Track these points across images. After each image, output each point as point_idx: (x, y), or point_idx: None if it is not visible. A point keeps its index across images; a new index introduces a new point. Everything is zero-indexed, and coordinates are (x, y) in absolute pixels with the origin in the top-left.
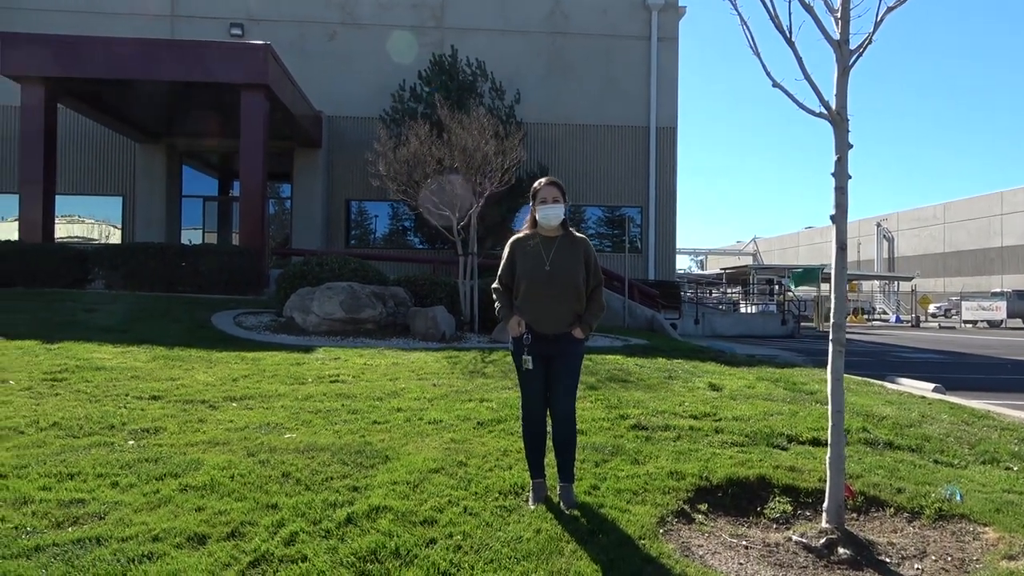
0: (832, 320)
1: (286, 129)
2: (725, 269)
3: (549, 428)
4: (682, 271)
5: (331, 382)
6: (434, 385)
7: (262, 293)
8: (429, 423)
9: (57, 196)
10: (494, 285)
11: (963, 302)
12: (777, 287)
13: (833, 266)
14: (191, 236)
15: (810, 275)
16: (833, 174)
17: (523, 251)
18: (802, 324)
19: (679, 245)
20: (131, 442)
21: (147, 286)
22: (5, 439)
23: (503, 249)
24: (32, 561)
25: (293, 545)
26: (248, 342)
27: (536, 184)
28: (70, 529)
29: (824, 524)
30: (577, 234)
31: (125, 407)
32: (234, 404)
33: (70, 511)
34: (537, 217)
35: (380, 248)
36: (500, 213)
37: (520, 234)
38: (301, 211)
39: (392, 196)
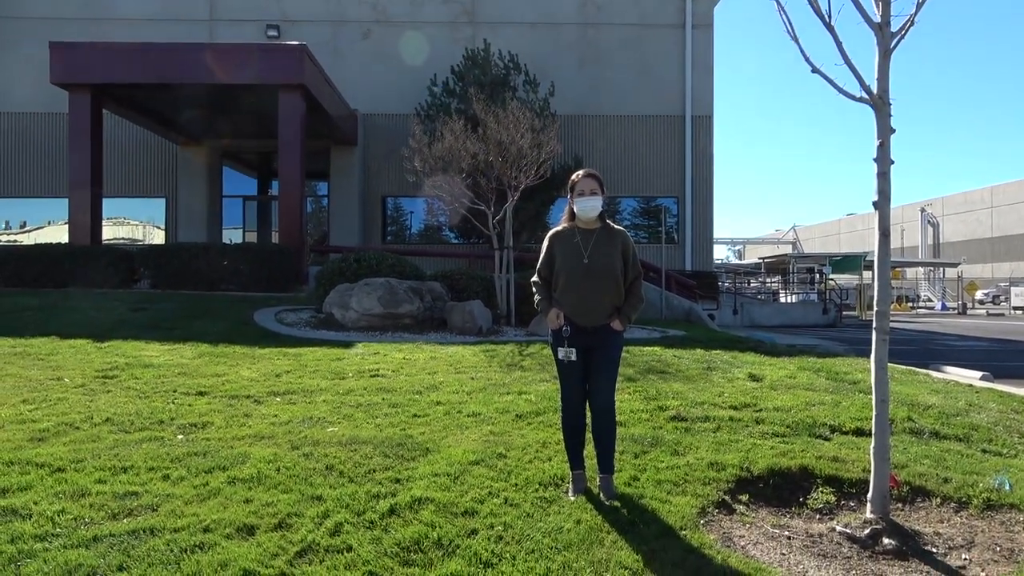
0: (875, 308)
1: (322, 128)
2: (764, 258)
3: (588, 420)
4: (720, 261)
5: (371, 376)
6: (472, 378)
7: (301, 290)
8: (468, 416)
9: (104, 199)
10: (533, 278)
11: (1012, 288)
12: (818, 276)
13: (876, 253)
14: (232, 235)
15: (852, 263)
16: (875, 159)
17: (562, 244)
18: (844, 313)
19: (716, 235)
20: (180, 436)
21: (191, 285)
22: (62, 434)
23: (538, 243)
24: (91, 551)
25: (338, 536)
26: (289, 338)
27: (574, 176)
28: (125, 520)
29: (868, 514)
30: (615, 226)
31: (173, 403)
32: (277, 399)
33: (124, 503)
34: (575, 209)
35: (416, 244)
36: (535, 207)
37: (558, 227)
38: (338, 208)
39: (427, 192)
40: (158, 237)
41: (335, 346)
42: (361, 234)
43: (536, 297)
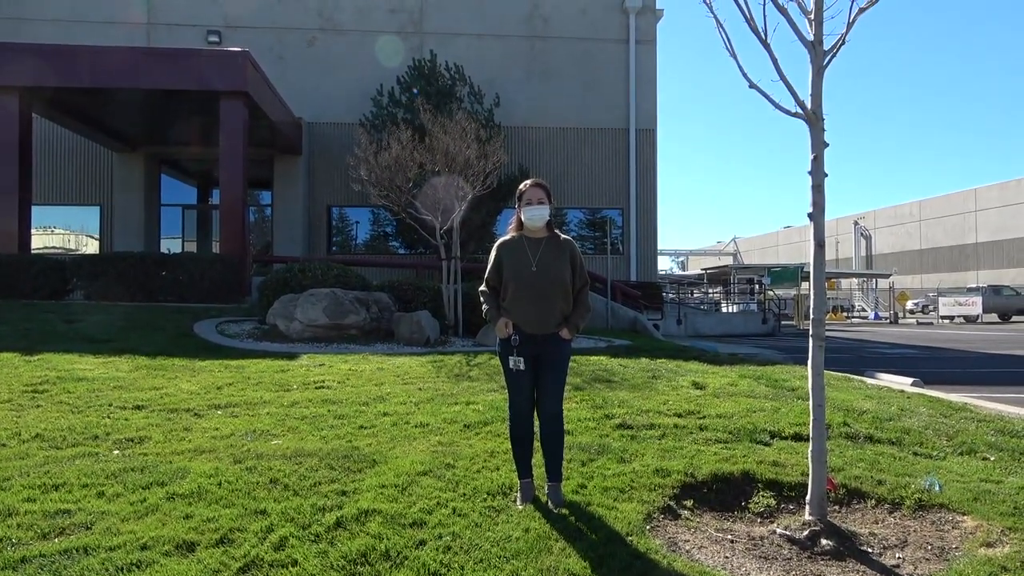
0: (812, 316)
1: (266, 136)
2: (706, 269)
3: (536, 429)
4: (664, 272)
5: (316, 388)
6: (420, 389)
7: (244, 301)
8: (416, 427)
9: (33, 206)
10: (481, 288)
11: (940, 298)
12: (757, 286)
13: (812, 264)
14: (170, 245)
15: (789, 274)
16: (810, 172)
17: (510, 253)
18: (783, 322)
19: (660, 246)
20: (116, 452)
21: (127, 296)
22: None
23: (486, 253)
24: (19, 573)
25: (283, 550)
26: (232, 350)
27: (521, 186)
28: (57, 540)
29: (807, 516)
30: (563, 235)
31: (109, 417)
32: (219, 412)
33: (56, 522)
34: (523, 218)
35: (362, 254)
36: (482, 217)
37: (506, 236)
38: (282, 218)
39: (374, 201)
40: (92, 247)
41: (279, 358)
42: (306, 244)
43: (484, 307)
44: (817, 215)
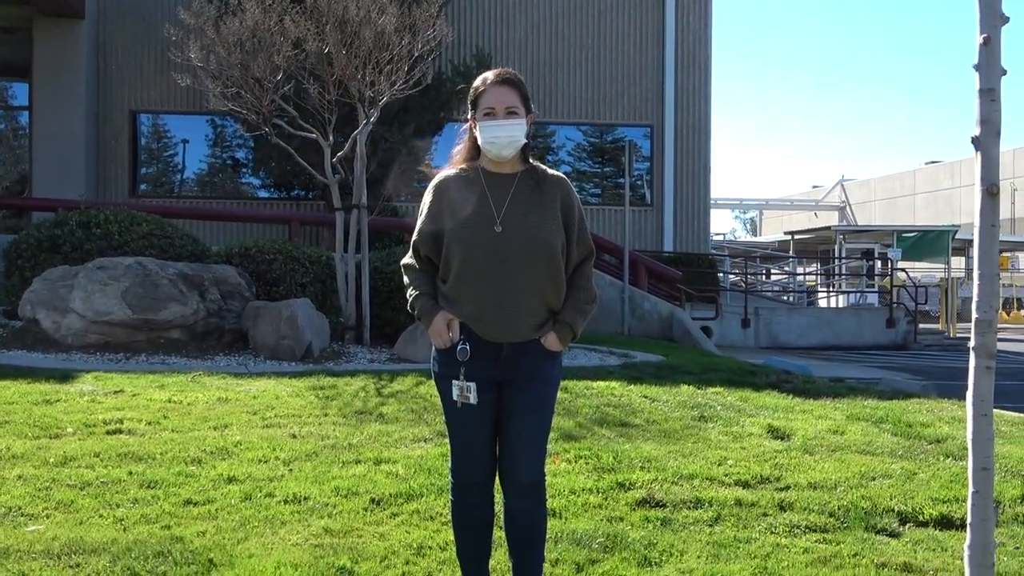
0: (975, 315)
1: None
2: (792, 234)
3: (499, 509)
4: (721, 237)
5: (109, 433)
6: (293, 436)
7: None
8: (286, 502)
9: None
10: (405, 260)
11: None
12: (879, 263)
13: (977, 225)
14: None
15: (934, 243)
16: (976, 66)
17: (457, 199)
18: (921, 326)
19: (716, 194)
20: None
21: None
22: None
23: (415, 200)
24: None
25: None
26: None
27: (478, 83)
28: None
29: None
30: (550, 170)
31: None
32: None
33: None
34: (480, 140)
35: (194, 197)
36: (406, 136)
37: (449, 171)
38: (48, 132)
39: (214, 106)
40: None
41: (42, 378)
42: (92, 179)
43: (410, 293)
44: (988, 140)
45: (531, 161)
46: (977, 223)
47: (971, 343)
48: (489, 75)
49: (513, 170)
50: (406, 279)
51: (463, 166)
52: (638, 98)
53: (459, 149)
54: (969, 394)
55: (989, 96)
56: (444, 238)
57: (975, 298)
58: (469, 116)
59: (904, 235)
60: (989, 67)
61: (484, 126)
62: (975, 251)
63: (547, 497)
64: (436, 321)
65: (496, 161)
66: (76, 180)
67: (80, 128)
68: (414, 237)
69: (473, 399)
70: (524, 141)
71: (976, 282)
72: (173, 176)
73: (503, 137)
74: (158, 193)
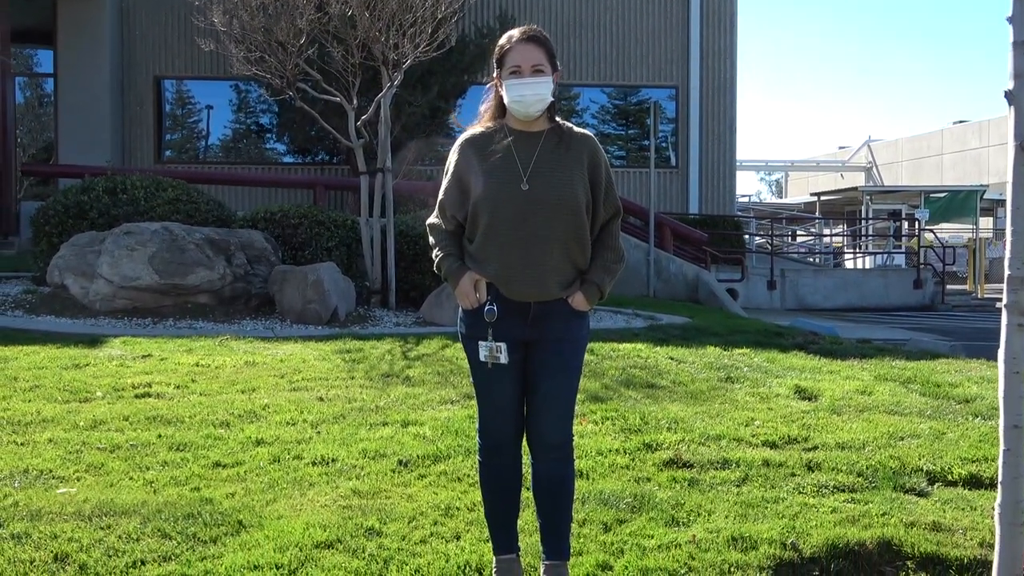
0: (1007, 272)
1: None
2: (819, 195)
3: (527, 469)
4: (747, 199)
5: (138, 397)
6: (321, 399)
7: (7, 243)
8: (314, 464)
9: None
10: (431, 219)
11: None
12: (906, 224)
13: (1010, 180)
14: None
15: (962, 203)
16: (1010, 19)
17: (483, 159)
18: (948, 287)
19: (742, 156)
20: None
21: None
22: None
23: (440, 164)
24: None
25: None
26: None
27: (503, 41)
28: None
29: None
30: (577, 128)
31: None
32: None
33: None
34: (506, 99)
35: (219, 163)
36: (430, 100)
37: (475, 129)
38: (74, 100)
39: (239, 71)
40: None
41: (71, 344)
42: (117, 145)
43: (435, 253)
44: (1021, 95)
45: (557, 119)
46: (1010, 178)
47: (1003, 300)
48: (515, 33)
49: (540, 128)
50: (432, 239)
51: (489, 124)
52: (663, 59)
53: (485, 108)
54: (1001, 352)
55: (1023, 49)
56: (470, 197)
57: (1007, 255)
58: (495, 75)
59: (931, 196)
60: (1023, 19)
61: (510, 84)
62: (1008, 207)
63: (575, 458)
64: (463, 282)
65: (523, 120)
66: (101, 147)
67: (105, 95)
68: (440, 196)
69: (504, 359)
70: (551, 99)
71: (1009, 238)
72: (198, 142)
73: (530, 95)
74: (183, 159)
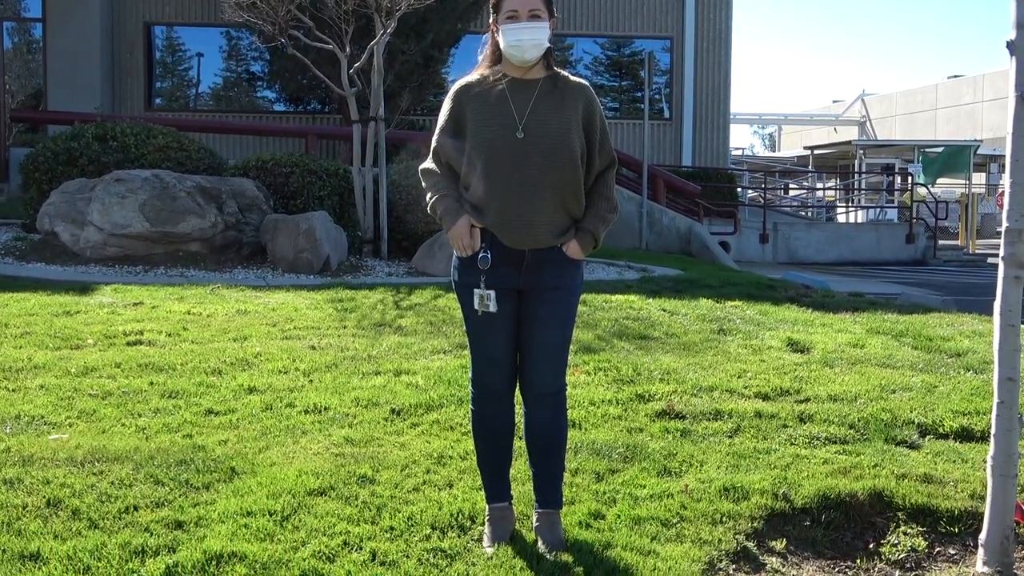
0: (1005, 223)
1: None
2: (812, 149)
3: (519, 418)
4: (740, 152)
5: (129, 344)
6: (313, 348)
7: None
8: (306, 412)
9: None
10: (425, 165)
11: None
12: (899, 179)
13: (1009, 131)
14: None
15: (955, 159)
16: None
17: (478, 105)
18: (940, 242)
19: (736, 108)
20: None
21: None
22: None
23: (431, 113)
24: None
25: None
26: None
27: None
28: None
29: (981, 567)
30: (572, 77)
31: None
32: None
33: None
34: (503, 45)
35: (210, 111)
36: (424, 48)
37: (471, 76)
38: (62, 45)
39: (230, 18)
40: None
41: (62, 291)
42: (108, 92)
43: (429, 198)
44: (1023, 44)
45: (554, 68)
46: (1010, 129)
47: (1001, 252)
48: None
49: (536, 76)
50: (425, 184)
51: (486, 71)
52: (657, 9)
53: (483, 54)
54: (996, 304)
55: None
56: (465, 143)
57: (1006, 207)
58: (491, 20)
59: (925, 152)
60: None
61: (507, 29)
62: (1007, 158)
63: (567, 407)
64: (459, 224)
65: (519, 66)
66: (91, 94)
67: (95, 41)
68: (433, 142)
69: (493, 307)
70: (547, 45)
71: (1008, 190)
72: (188, 90)
73: (526, 40)
74: (173, 107)
